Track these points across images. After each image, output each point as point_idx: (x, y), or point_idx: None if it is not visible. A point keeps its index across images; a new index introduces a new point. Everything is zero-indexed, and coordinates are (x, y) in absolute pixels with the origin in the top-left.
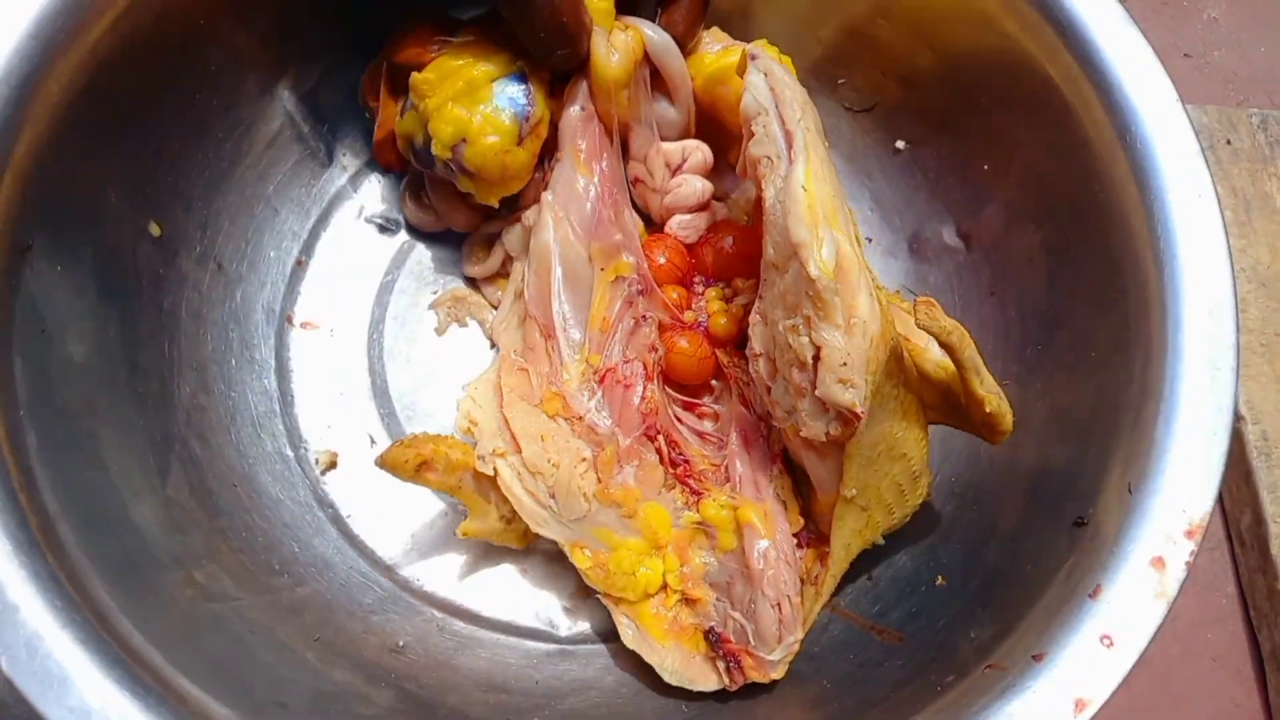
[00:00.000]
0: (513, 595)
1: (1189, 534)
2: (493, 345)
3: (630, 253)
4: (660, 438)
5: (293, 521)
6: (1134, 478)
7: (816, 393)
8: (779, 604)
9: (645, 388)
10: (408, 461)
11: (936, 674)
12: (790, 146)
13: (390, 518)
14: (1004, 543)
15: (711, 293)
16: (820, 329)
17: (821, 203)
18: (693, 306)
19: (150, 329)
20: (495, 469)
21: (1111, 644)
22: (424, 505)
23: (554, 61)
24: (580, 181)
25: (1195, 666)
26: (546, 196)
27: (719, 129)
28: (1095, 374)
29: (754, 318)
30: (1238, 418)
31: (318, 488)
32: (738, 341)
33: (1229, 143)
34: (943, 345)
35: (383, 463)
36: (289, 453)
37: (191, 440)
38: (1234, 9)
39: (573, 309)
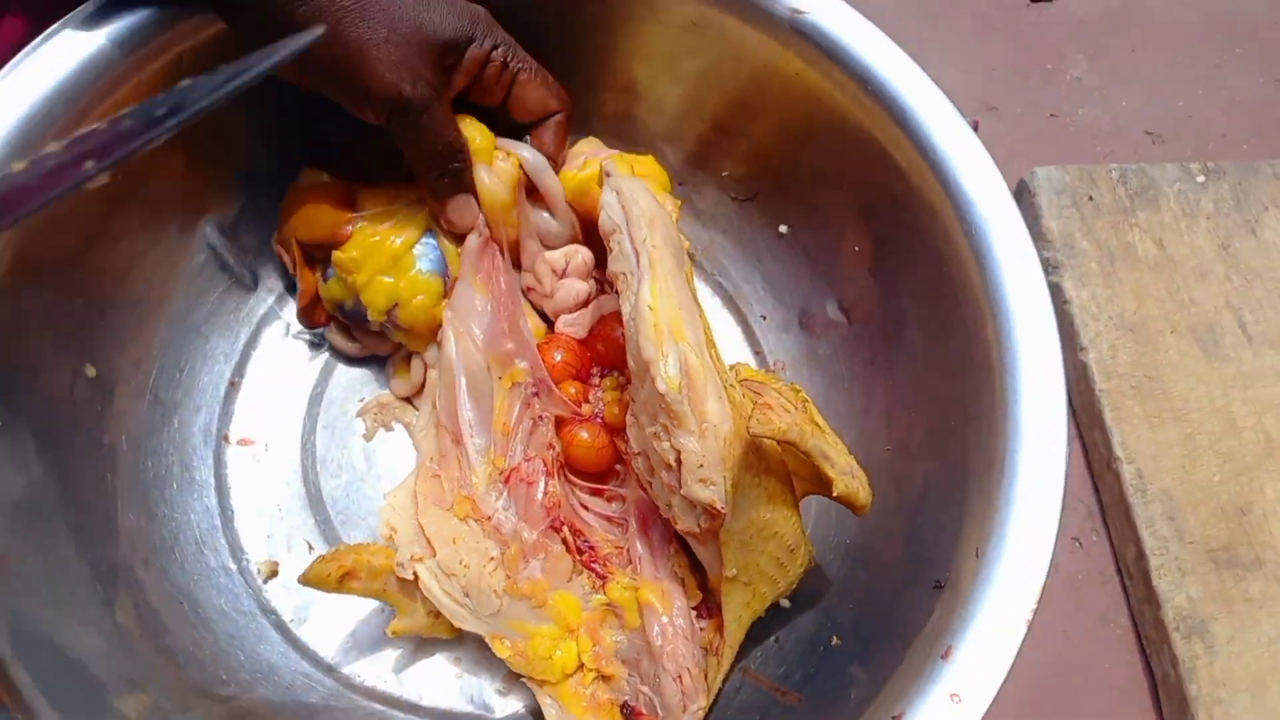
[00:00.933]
0: (448, 682)
1: (1028, 594)
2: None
3: (524, 359)
4: (565, 528)
5: (237, 632)
6: (980, 543)
7: (681, 492)
8: (679, 676)
9: (547, 483)
10: (330, 575)
11: None
12: (638, 264)
13: (330, 619)
14: (883, 604)
15: (607, 382)
16: (676, 435)
17: (667, 317)
18: (590, 399)
19: (90, 463)
20: (415, 573)
21: (960, 700)
22: (361, 605)
23: (440, 186)
24: (478, 301)
25: (1097, 696)
26: (448, 314)
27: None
28: (951, 443)
29: (629, 419)
30: (1114, 459)
31: (260, 596)
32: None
33: (1091, 198)
34: (783, 445)
35: (306, 580)
36: (231, 565)
37: (136, 565)
38: (1095, 67)
39: (477, 416)
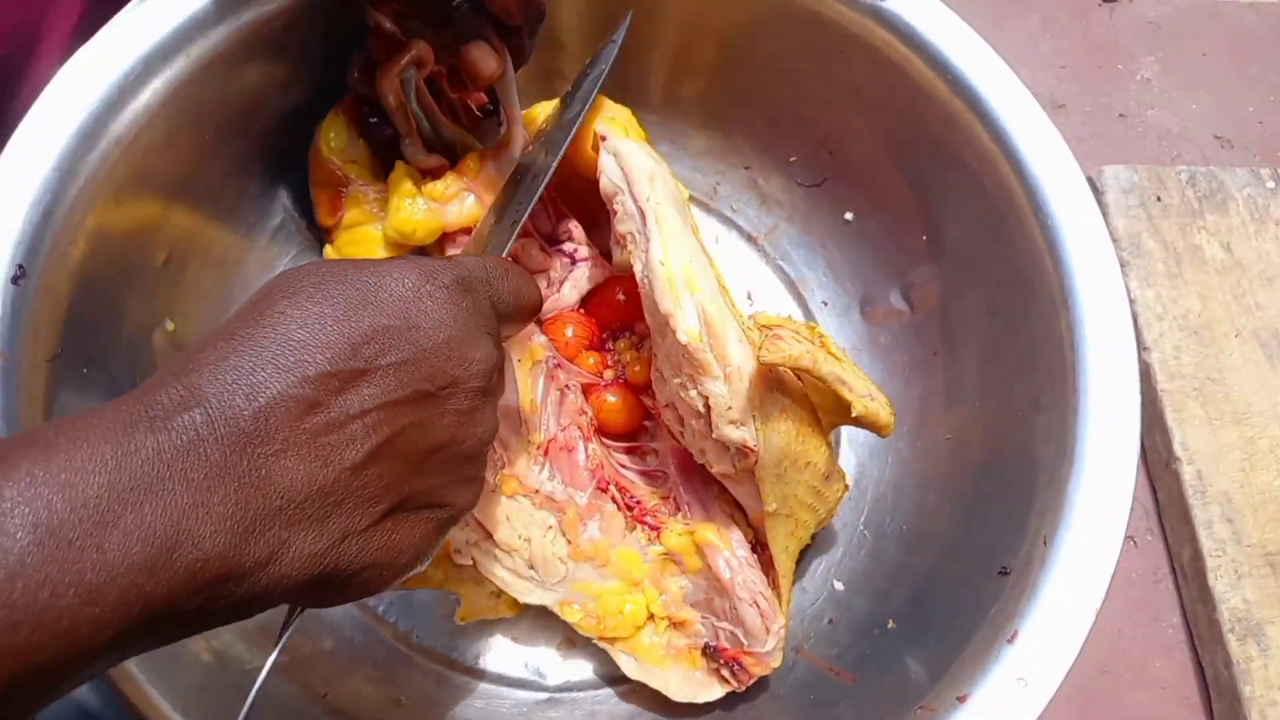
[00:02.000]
0: (505, 649)
1: (1097, 583)
2: None
3: (539, 335)
4: (611, 487)
5: None
6: (1048, 531)
7: (714, 436)
8: (754, 602)
9: (586, 447)
10: None
11: (880, 715)
12: (644, 222)
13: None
14: (944, 589)
15: (622, 344)
16: (703, 383)
17: (680, 271)
18: (610, 364)
19: None
20: (473, 558)
21: (1026, 684)
22: None
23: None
24: None
25: (1146, 693)
26: None
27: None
28: (1019, 432)
29: (654, 374)
30: (1174, 459)
31: None
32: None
33: (1159, 199)
34: (797, 372)
35: None
36: None
37: None
38: (1166, 70)
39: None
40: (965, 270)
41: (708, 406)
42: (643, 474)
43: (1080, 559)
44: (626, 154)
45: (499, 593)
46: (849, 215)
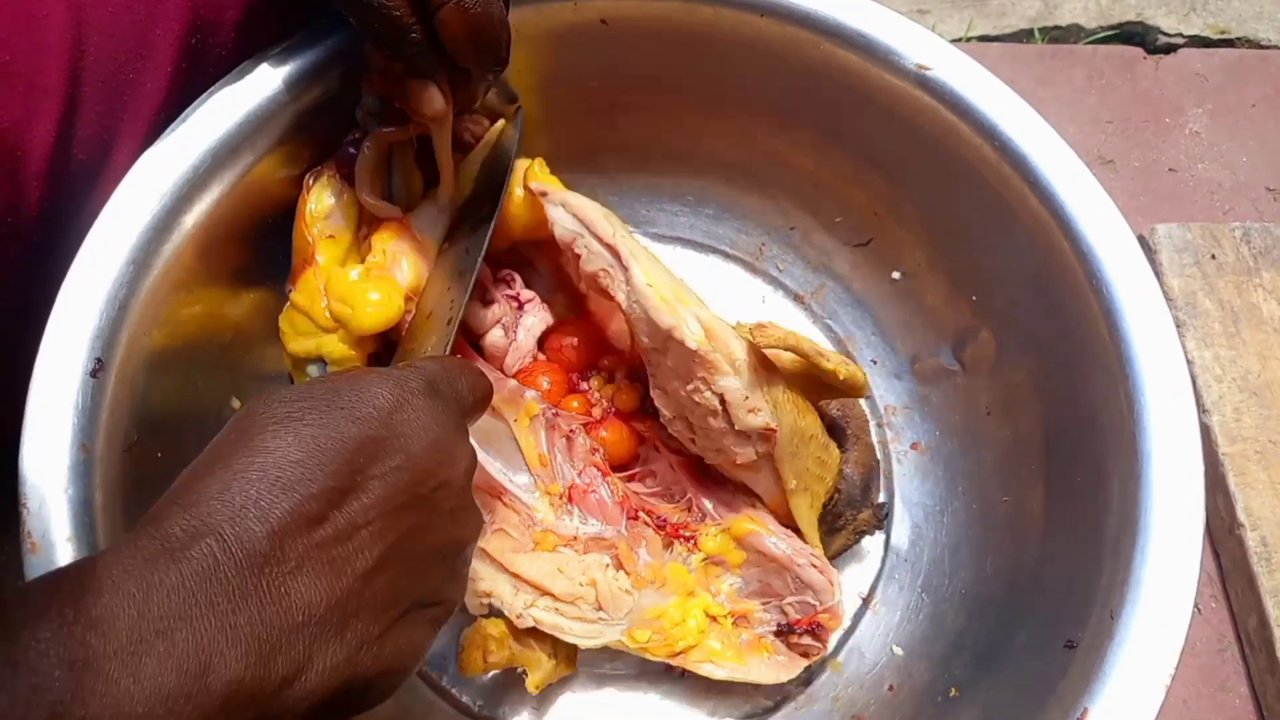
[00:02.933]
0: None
1: (1166, 660)
2: None
3: (529, 390)
4: (640, 514)
5: None
6: (1115, 605)
7: (736, 428)
8: (811, 563)
9: (608, 483)
10: (476, 660)
11: None
12: (619, 257)
13: None
14: (1009, 659)
15: (595, 383)
16: (716, 381)
17: (668, 290)
18: (594, 402)
19: None
20: (534, 619)
21: None
22: None
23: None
24: None
25: None
26: None
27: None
28: (1081, 501)
29: (654, 393)
30: (1237, 525)
31: None
32: (644, 407)
33: (1214, 257)
34: (789, 350)
35: (464, 671)
36: None
37: None
38: (1215, 123)
39: (504, 461)
40: (1017, 331)
41: (724, 402)
42: (655, 496)
43: (1148, 634)
44: (574, 203)
45: (555, 654)
46: (896, 274)
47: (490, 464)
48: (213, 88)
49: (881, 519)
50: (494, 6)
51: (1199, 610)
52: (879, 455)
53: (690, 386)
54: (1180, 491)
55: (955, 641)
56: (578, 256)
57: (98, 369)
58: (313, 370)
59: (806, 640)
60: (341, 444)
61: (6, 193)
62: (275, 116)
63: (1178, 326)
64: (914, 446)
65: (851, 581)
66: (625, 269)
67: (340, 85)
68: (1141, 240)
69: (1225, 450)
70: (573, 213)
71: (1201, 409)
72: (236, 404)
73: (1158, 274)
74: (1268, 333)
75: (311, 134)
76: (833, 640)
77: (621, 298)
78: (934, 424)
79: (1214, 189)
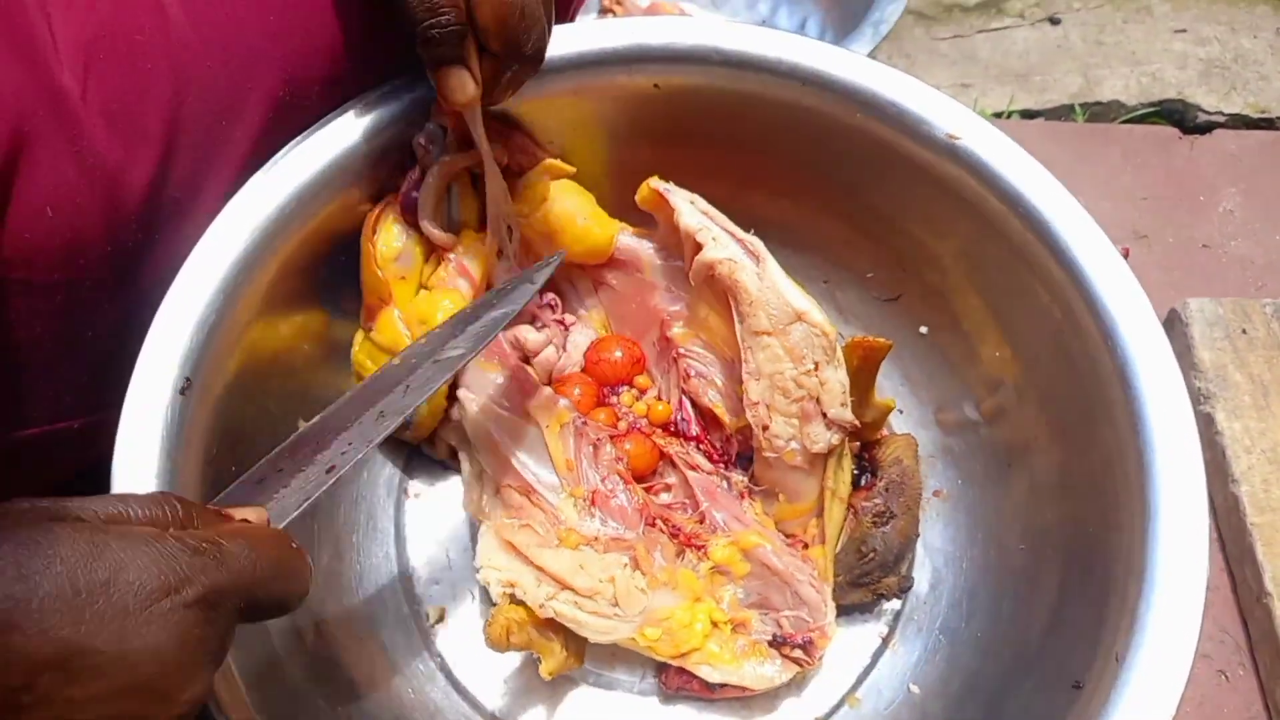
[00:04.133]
0: None
1: (1167, 701)
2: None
3: (562, 399)
4: (658, 521)
5: (411, 672)
6: (1120, 649)
7: (829, 416)
8: (809, 582)
9: (629, 490)
10: (502, 636)
11: None
12: (749, 248)
13: (487, 666)
14: (1018, 698)
15: (626, 398)
16: (825, 370)
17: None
18: (620, 415)
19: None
20: (555, 611)
21: None
22: (513, 657)
23: (429, 53)
24: (489, 376)
25: None
26: (460, 392)
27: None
28: (1091, 550)
29: (746, 377)
30: (1265, 594)
31: (429, 639)
32: (675, 424)
33: (1244, 332)
34: (869, 363)
35: (491, 643)
36: (405, 609)
37: (328, 600)
38: (1248, 201)
39: (534, 461)
40: (1037, 388)
41: (823, 389)
42: (669, 507)
43: (1152, 678)
44: (702, 201)
45: (565, 646)
46: (924, 329)
47: (522, 465)
48: (299, 138)
49: (904, 590)
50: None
51: (1226, 677)
52: None
53: (803, 368)
54: (1185, 543)
55: (970, 682)
56: (699, 246)
57: (186, 387)
58: None
59: (798, 654)
60: (39, 643)
61: (108, 223)
62: (350, 164)
63: (1208, 398)
64: (936, 494)
65: (872, 622)
66: (759, 259)
67: (404, 131)
68: (1174, 313)
69: (1254, 520)
70: (699, 208)
71: (1230, 480)
72: (302, 424)
73: (1189, 346)
74: None
75: (375, 174)
76: (852, 677)
77: (752, 282)
78: (956, 472)
79: (1246, 266)
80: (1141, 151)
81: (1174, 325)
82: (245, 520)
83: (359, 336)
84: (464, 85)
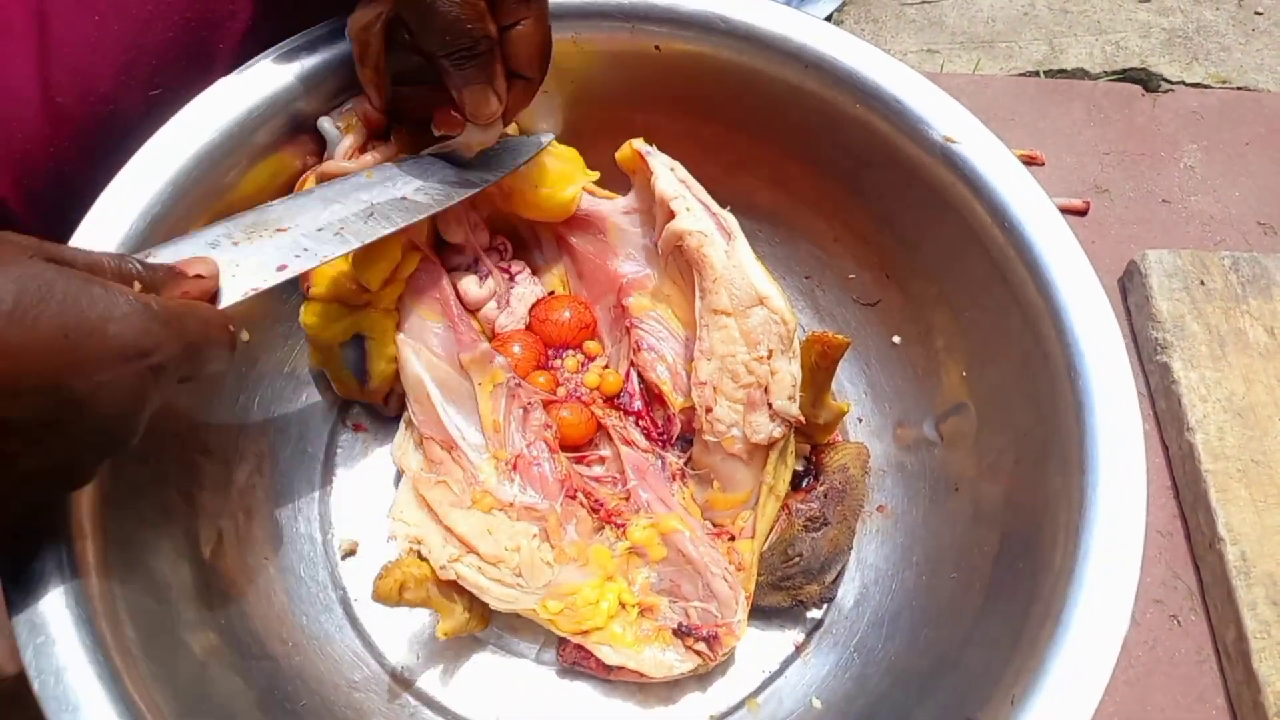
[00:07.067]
0: (479, 696)
1: None
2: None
3: (499, 357)
4: (579, 494)
5: (308, 596)
6: (1017, 692)
7: (776, 407)
8: (724, 576)
9: (553, 459)
10: (392, 590)
11: None
12: (720, 225)
13: (392, 611)
14: None
15: (570, 363)
16: (778, 359)
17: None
18: (560, 381)
19: (228, 417)
20: (456, 574)
21: None
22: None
23: (456, 73)
24: (430, 324)
25: None
26: (400, 338)
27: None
28: (1016, 588)
29: (698, 355)
30: (1217, 539)
31: (335, 570)
32: (619, 395)
33: (1203, 284)
34: (827, 362)
35: (377, 597)
36: (318, 536)
37: (239, 514)
38: (1209, 158)
39: (463, 419)
40: (998, 414)
41: (773, 379)
42: (596, 480)
43: None
44: (682, 170)
45: (470, 608)
46: (897, 339)
47: (449, 419)
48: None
49: (825, 600)
50: (549, 22)
51: (1178, 622)
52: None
53: (755, 354)
54: (1108, 598)
55: (873, 705)
56: (672, 214)
57: None
58: (348, 353)
59: (701, 646)
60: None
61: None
62: (276, 116)
63: (1165, 348)
64: (880, 509)
65: (790, 628)
66: (730, 236)
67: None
68: (1133, 265)
69: (1208, 467)
70: (677, 175)
71: (1186, 428)
72: (246, 336)
73: (1147, 297)
74: (1253, 356)
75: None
76: (756, 680)
77: (718, 257)
78: (904, 491)
79: (1206, 221)
80: (1105, 108)
81: (1133, 276)
82: (199, 275)
83: (304, 306)
84: (489, 103)
